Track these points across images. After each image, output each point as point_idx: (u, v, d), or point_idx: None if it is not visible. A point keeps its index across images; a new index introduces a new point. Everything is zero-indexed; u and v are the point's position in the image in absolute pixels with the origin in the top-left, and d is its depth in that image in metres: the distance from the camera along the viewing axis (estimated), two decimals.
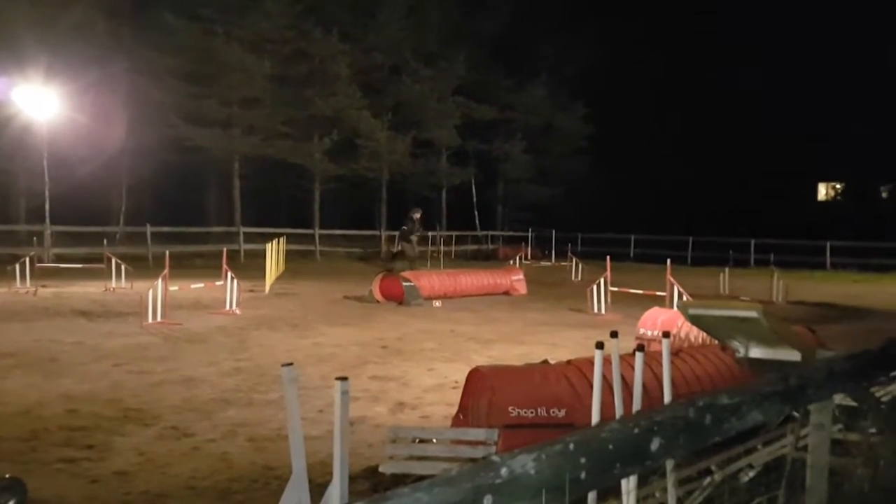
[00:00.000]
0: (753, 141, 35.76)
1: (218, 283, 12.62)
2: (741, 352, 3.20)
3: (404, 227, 19.11)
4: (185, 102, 25.81)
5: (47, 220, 21.25)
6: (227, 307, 11.42)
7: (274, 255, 16.23)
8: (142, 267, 16.69)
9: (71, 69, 21.37)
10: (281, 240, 19.34)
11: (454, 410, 4.85)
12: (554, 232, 30.05)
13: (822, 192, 40.80)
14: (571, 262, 20.51)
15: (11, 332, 9.15)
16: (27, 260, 14.31)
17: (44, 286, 14.12)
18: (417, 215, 18.83)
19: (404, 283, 13.25)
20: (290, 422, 2.55)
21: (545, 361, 5.59)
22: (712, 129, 35.78)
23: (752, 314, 2.89)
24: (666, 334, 2.85)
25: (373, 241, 30.77)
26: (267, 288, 14.75)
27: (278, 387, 6.41)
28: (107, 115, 23.76)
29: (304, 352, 8.26)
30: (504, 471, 1.43)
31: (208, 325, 10.05)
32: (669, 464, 2.48)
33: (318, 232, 28.15)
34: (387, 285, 13.67)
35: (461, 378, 5.18)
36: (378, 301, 13.40)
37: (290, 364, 2.57)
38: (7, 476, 0.76)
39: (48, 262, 18.02)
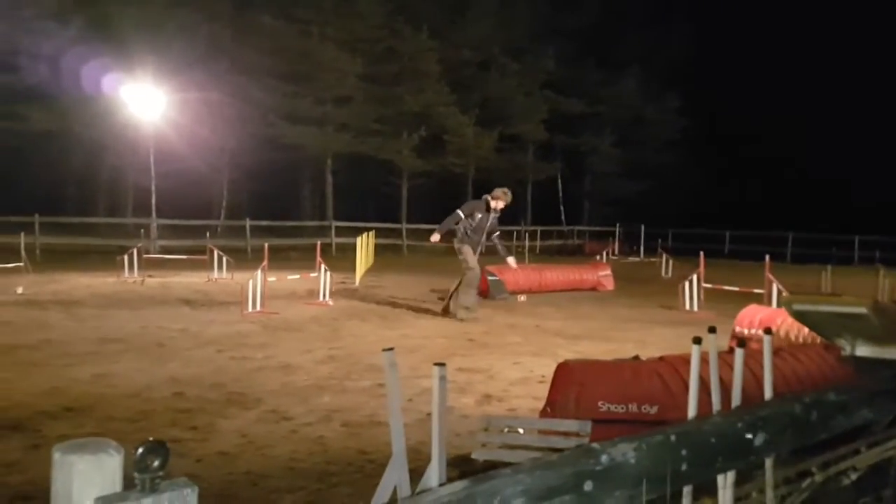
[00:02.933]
0: (858, 134, 33.87)
1: (312, 274, 13.01)
2: (847, 350, 3.07)
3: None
4: (282, 101, 26.72)
5: (153, 214, 22.44)
6: (321, 298, 11.78)
7: (364, 248, 16.59)
8: (241, 259, 17.38)
9: (176, 70, 22.46)
10: (370, 234, 19.75)
11: (541, 404, 4.85)
12: (643, 227, 29.36)
13: None
14: (661, 258, 20.01)
15: (120, 319, 9.73)
16: (135, 251, 15.17)
17: (150, 276, 14.93)
18: (497, 202, 10.59)
19: (489, 278, 13.28)
20: (391, 404, 2.63)
21: (636, 357, 5.51)
22: (815, 121, 34.10)
23: (861, 310, 2.77)
24: (768, 330, 2.77)
25: None
26: (357, 280, 15.10)
27: (370, 375, 6.58)
28: (209, 114, 24.85)
29: (393, 342, 8.40)
30: (605, 458, 1.45)
31: (303, 315, 10.39)
32: (769, 461, 2.43)
33: (405, 226, 28.57)
34: None
35: (547, 372, 5.17)
36: None
37: (391, 349, 2.65)
38: (151, 439, 0.83)
39: (154, 254, 19.01)
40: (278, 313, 10.40)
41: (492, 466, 3.57)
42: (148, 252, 17.82)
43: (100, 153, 27.05)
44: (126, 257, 15.05)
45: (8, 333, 8.37)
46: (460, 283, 10.43)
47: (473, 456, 3.37)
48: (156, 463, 1.01)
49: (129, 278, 14.67)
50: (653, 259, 22.51)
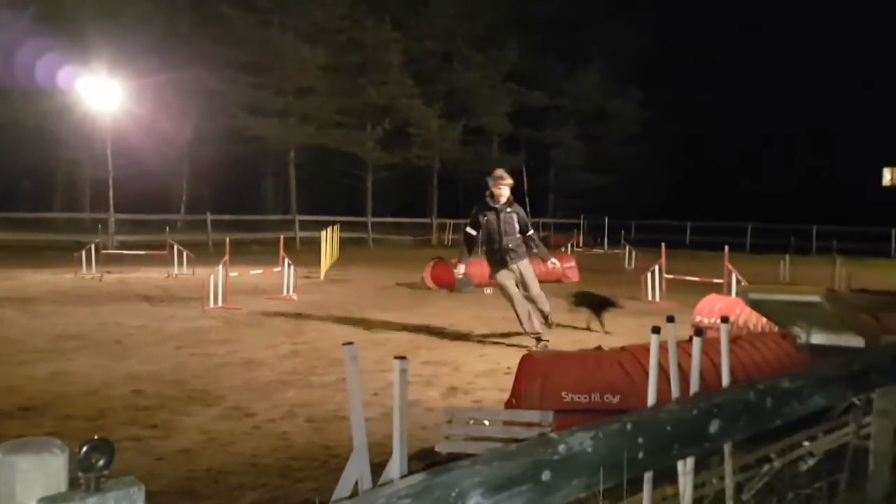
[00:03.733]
0: (817, 124, 34.62)
1: (275, 269, 12.89)
2: (803, 338, 3.14)
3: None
4: (243, 92, 26.36)
5: (111, 208, 21.98)
6: (285, 293, 11.67)
7: (328, 242, 16.48)
8: (202, 253, 17.13)
9: (133, 61, 22.00)
10: (335, 227, 19.64)
11: (506, 396, 4.88)
12: (607, 219, 29.69)
13: (888, 177, 39.29)
14: (625, 249, 20.25)
15: (78, 316, 9.53)
16: (92, 247, 14.86)
17: (108, 272, 14.65)
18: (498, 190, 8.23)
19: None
20: (351, 398, 2.62)
21: (598, 348, 5.57)
22: (771, 112, 34.76)
23: (815, 299, 2.84)
24: (725, 319, 2.82)
25: (424, 228, 30.91)
26: (322, 274, 14.99)
27: (334, 370, 6.54)
28: (168, 106, 24.41)
29: (358, 337, 8.38)
30: (562, 447, 1.46)
31: (267, 310, 10.29)
32: (727, 448, 2.47)
33: (370, 220, 28.46)
34: (438, 272, 13.75)
35: (513, 364, 5.20)
36: (429, 288, 13.49)
37: (351, 343, 2.63)
38: (96, 437, 0.81)
39: (112, 249, 18.65)
40: (241, 309, 10.28)
41: (456, 459, 3.57)
42: (106, 248, 17.49)
43: (55, 147, 26.40)
44: (83, 253, 14.73)
45: None
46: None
47: (437, 448, 3.37)
48: (101, 462, 0.98)
49: (87, 274, 14.37)
50: (616, 251, 22.77)
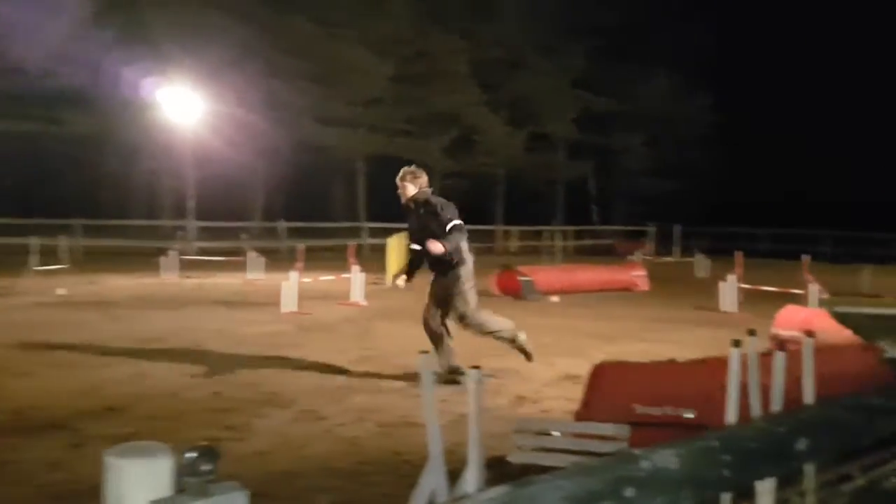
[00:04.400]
0: None
1: (345, 275, 13.11)
2: (889, 352, 3.01)
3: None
4: (314, 104, 26.93)
5: (190, 216, 22.76)
6: (354, 298, 11.86)
7: (396, 249, 16.65)
8: (276, 260, 17.54)
9: (211, 73, 22.74)
10: (402, 234, 19.78)
11: (575, 405, 4.82)
12: (676, 226, 28.98)
13: None
14: (696, 257, 19.77)
15: (159, 320, 9.91)
16: (173, 252, 15.42)
17: (188, 277, 15.17)
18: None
19: (521, 278, 13.26)
20: (426, 408, 2.64)
21: (672, 360, 5.46)
22: (852, 116, 33.40)
23: None
24: (809, 333, 2.73)
25: (489, 236, 30.90)
26: (389, 281, 15.15)
27: (402, 375, 6.60)
28: (243, 117, 25.15)
29: (426, 343, 8.43)
30: (645, 464, 1.45)
31: (337, 316, 10.48)
32: (811, 467, 2.39)
33: None
34: (504, 280, 13.73)
35: (581, 373, 5.14)
36: (495, 295, 13.48)
37: (426, 352, 2.67)
38: (203, 443, 0.85)
39: (191, 255, 19.30)
40: (312, 314, 10.49)
41: (527, 469, 3.56)
42: (185, 253, 18.10)
43: (136, 156, 27.54)
44: (163, 259, 15.29)
45: (48, 334, 8.56)
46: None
47: (509, 459, 3.37)
48: (206, 467, 1.03)
49: (167, 279, 14.91)
50: (688, 259, 22.24)
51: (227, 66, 23.88)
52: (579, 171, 34.64)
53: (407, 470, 4.11)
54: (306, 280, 12.15)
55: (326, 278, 13.74)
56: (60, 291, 12.40)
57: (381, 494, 3.89)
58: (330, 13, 26.20)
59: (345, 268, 13.55)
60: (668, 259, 25.24)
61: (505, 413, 5.48)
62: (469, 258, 6.68)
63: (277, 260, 17.74)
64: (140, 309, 10.97)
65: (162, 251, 16.12)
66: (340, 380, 6.56)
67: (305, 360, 7.38)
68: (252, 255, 15.43)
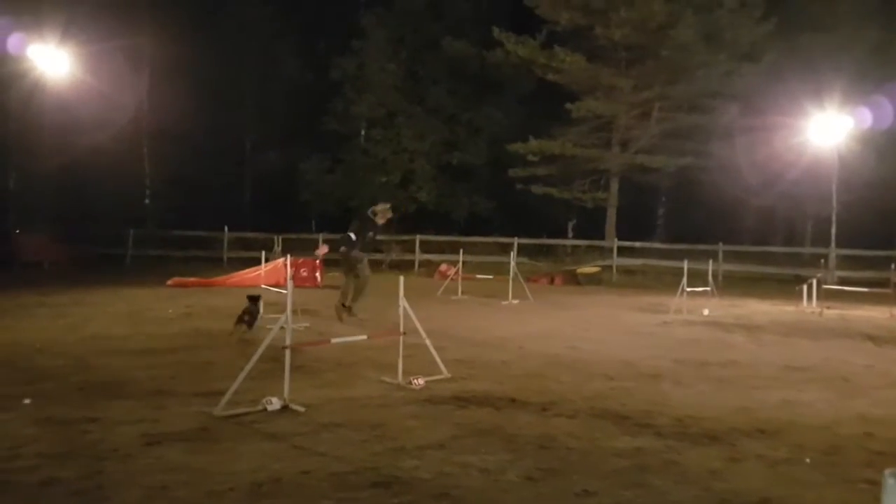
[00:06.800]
0: None
1: None
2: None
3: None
4: None
5: (832, 243, 21.75)
6: None
7: None
8: None
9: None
10: None
11: None
12: None
13: None
14: None
15: (801, 348, 9.81)
16: (813, 281, 15.00)
17: (828, 307, 14.56)
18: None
19: None
20: None
21: None
22: None
23: None
24: None
25: None
26: None
27: None
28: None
29: None
30: None
31: None
32: None
33: None
34: None
35: None
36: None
37: None
38: None
39: (832, 284, 18.44)
40: None
41: None
42: (826, 282, 17.40)
43: (777, 182, 27.48)
44: (804, 287, 15.02)
45: (698, 350, 9.40)
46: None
47: None
48: None
49: (807, 308, 14.59)
50: None
51: None
52: None
53: None
54: None
55: None
56: (705, 312, 13.40)
57: None
58: None
59: None
60: None
61: None
62: None
63: None
64: (782, 335, 11.04)
65: (801, 279, 15.80)
66: None
67: None
68: None
